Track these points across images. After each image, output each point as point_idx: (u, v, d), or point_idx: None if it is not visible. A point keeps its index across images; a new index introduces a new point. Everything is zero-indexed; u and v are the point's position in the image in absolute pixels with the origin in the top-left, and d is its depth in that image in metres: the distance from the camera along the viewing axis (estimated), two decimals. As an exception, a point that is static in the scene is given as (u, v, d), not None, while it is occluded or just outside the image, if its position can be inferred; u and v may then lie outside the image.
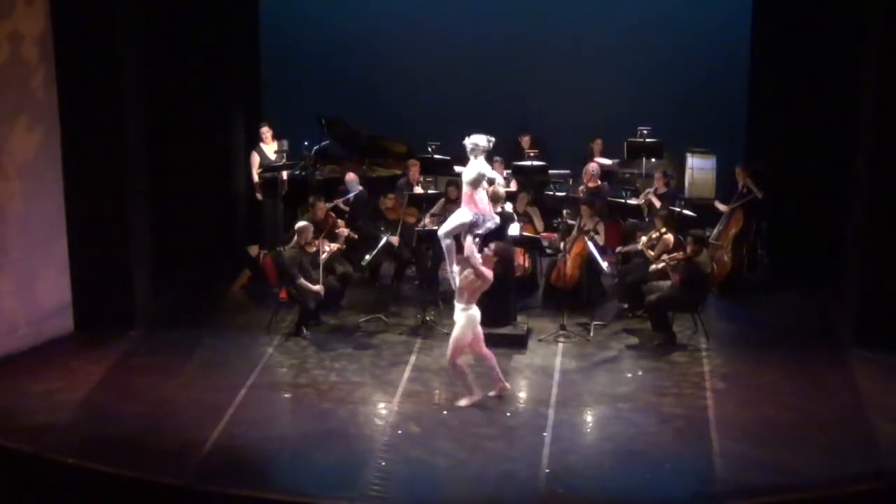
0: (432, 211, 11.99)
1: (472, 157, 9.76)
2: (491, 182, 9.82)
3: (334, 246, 11.18)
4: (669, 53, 14.36)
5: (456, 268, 9.40)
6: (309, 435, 8.71)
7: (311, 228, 10.96)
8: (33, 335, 10.30)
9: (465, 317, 9.05)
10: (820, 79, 11.66)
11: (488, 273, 9.09)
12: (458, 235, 9.66)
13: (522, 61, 14.82)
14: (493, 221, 9.75)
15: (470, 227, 9.56)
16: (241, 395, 9.35)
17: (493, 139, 9.80)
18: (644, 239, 11.10)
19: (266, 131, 13.12)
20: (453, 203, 12.14)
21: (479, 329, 9.19)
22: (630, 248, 11.59)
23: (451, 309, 11.05)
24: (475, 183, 9.67)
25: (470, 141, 9.77)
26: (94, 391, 9.44)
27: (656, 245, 10.94)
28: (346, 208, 12.26)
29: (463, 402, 9.15)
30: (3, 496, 7.64)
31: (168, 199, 11.91)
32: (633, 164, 13.61)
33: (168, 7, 11.76)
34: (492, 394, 9.26)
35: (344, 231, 11.48)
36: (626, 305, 11.35)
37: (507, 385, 9.32)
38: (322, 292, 10.74)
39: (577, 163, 13.46)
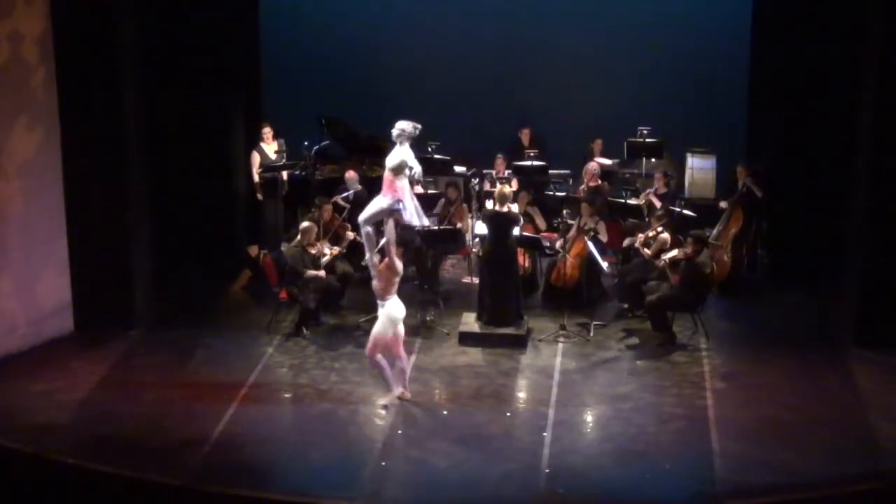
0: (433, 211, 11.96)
1: (397, 143, 9.45)
2: (410, 170, 9.49)
3: (335, 249, 11.17)
4: (669, 53, 14.34)
5: (376, 258, 9.21)
6: (309, 435, 8.71)
7: (315, 229, 10.96)
8: (33, 335, 10.31)
9: (384, 313, 9.02)
10: (820, 79, 11.64)
11: (399, 264, 9.07)
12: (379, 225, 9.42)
13: (522, 61, 14.79)
14: (408, 211, 9.44)
15: (390, 213, 9.31)
16: (241, 395, 9.36)
17: (419, 126, 9.49)
18: (641, 236, 11.10)
19: (267, 131, 13.09)
20: (453, 203, 12.16)
21: (401, 329, 9.16)
22: (631, 240, 11.58)
23: (451, 309, 11.20)
24: (397, 170, 9.35)
25: (397, 126, 9.47)
26: (94, 391, 9.45)
27: (653, 244, 10.95)
28: (346, 205, 12.24)
29: (384, 401, 9.16)
30: (3, 496, 7.63)
31: (168, 199, 11.89)
32: (633, 164, 13.59)
33: (168, 7, 11.74)
34: (396, 394, 9.22)
35: (350, 235, 11.47)
36: (626, 305, 11.34)
37: (409, 394, 9.25)
38: (324, 275, 10.76)
39: (577, 163, 13.45)
